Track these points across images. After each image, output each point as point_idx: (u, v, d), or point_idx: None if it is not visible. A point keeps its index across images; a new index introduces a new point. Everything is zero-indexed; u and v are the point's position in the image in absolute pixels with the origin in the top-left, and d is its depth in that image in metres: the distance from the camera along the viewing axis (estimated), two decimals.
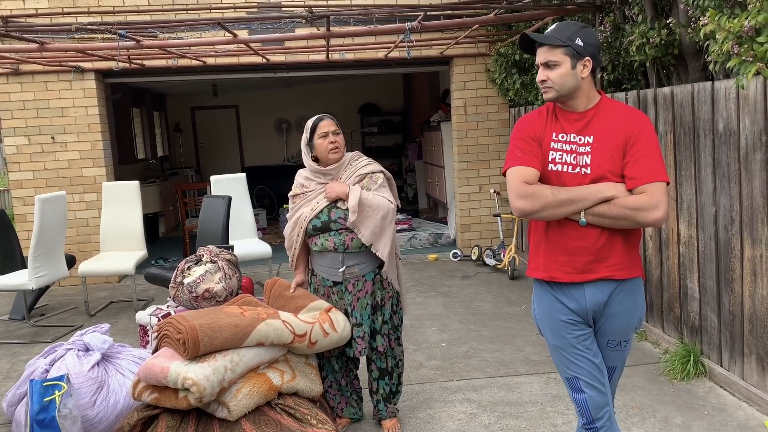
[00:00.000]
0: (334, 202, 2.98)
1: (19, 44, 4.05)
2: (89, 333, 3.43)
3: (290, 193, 3.22)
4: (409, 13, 4.87)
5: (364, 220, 2.92)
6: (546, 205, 2.04)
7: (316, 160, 3.08)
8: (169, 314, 3.84)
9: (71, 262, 5.73)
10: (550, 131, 2.15)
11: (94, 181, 6.64)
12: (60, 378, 2.86)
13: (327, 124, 3.02)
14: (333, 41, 6.49)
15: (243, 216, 6.11)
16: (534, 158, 2.12)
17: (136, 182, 5.96)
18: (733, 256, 3.36)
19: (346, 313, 3.05)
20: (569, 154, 2.11)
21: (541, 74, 2.12)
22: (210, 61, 6.59)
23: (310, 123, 3.06)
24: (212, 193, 6.13)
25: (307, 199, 3.05)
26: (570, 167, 2.10)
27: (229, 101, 12.64)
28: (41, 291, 5.60)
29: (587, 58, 2.07)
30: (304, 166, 3.16)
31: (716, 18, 2.79)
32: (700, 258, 3.68)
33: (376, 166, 3.09)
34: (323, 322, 2.87)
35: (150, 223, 9.55)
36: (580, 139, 2.11)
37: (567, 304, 2.17)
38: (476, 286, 5.96)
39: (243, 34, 5.17)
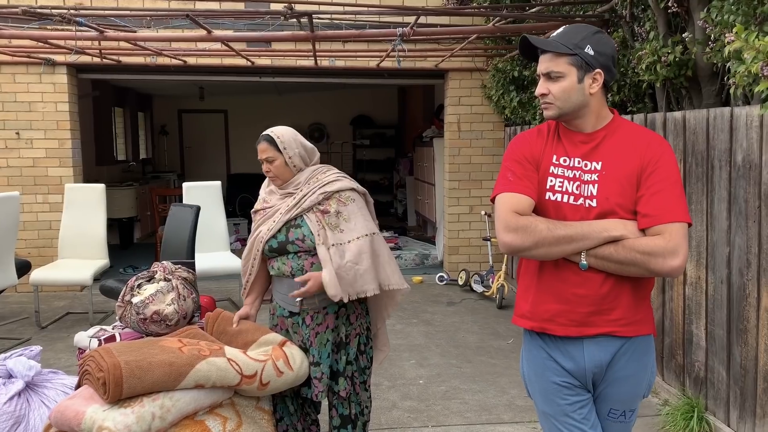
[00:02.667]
0: (293, 219, 2.55)
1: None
2: (14, 357, 3.00)
3: (252, 209, 2.83)
4: (401, 18, 4.52)
5: (352, 286, 2.45)
6: (540, 242, 1.66)
7: None
8: (113, 337, 3.42)
9: (25, 267, 5.29)
10: (551, 153, 1.78)
11: (59, 182, 6.21)
12: None
13: (260, 150, 2.54)
14: (323, 47, 6.14)
15: (215, 227, 5.70)
16: (529, 184, 1.74)
17: (102, 185, 5.54)
18: (748, 304, 2.99)
19: (301, 348, 2.64)
20: (572, 182, 1.73)
21: (541, 86, 1.75)
22: (191, 61, 6.21)
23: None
24: (185, 201, 5.73)
25: (266, 216, 2.64)
26: (572, 197, 1.72)
27: (217, 106, 12.26)
28: None
29: (598, 70, 1.70)
30: None
31: (743, 35, 2.43)
32: (709, 302, 3.30)
33: (345, 182, 2.60)
34: (277, 359, 2.44)
35: (125, 228, 9.13)
36: (585, 165, 1.74)
37: (562, 363, 1.78)
38: (461, 315, 5.56)
39: (226, 33, 4.78)
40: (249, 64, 6.17)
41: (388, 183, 12.11)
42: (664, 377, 3.76)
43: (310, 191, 2.55)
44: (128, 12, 4.08)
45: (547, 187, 1.75)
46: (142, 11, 4.02)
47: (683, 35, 3.36)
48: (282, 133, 2.58)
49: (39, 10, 3.18)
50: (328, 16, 5.67)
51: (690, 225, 1.68)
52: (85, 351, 3.46)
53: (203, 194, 5.68)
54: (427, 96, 9.53)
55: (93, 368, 2.26)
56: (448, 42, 6.10)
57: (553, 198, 1.74)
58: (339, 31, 4.12)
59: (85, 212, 5.41)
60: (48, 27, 4.59)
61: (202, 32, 3.84)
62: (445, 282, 6.61)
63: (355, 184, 2.63)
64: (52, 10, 3.20)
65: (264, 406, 2.66)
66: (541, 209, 1.76)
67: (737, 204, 3.04)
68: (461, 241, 6.87)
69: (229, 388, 2.37)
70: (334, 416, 2.72)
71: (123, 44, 5.27)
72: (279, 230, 2.55)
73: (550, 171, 1.76)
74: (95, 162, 9.19)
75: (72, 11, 3.26)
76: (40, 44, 4.86)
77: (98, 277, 5.99)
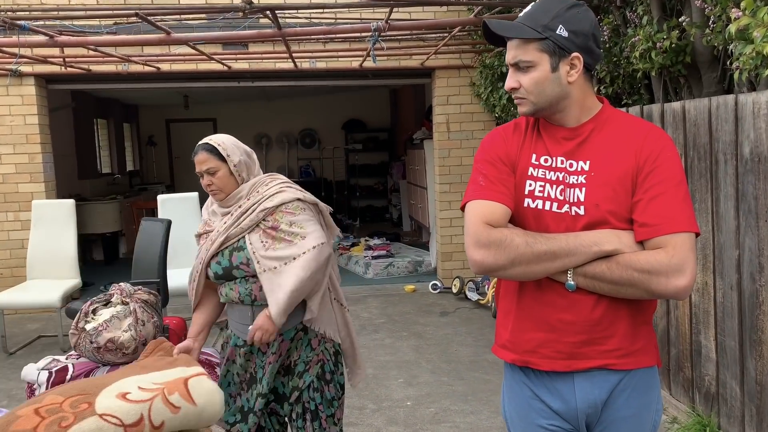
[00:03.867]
0: (235, 241, 2.26)
1: None
2: None
3: (197, 233, 2.48)
4: (382, 14, 4.23)
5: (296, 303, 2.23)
6: (517, 260, 1.36)
7: None
8: (66, 369, 3.12)
9: None
10: (529, 152, 1.48)
11: (31, 198, 5.90)
12: None
13: (199, 161, 2.25)
14: (302, 47, 5.86)
15: (192, 241, 5.40)
16: (503, 189, 1.44)
17: (71, 201, 5.25)
18: (762, 312, 2.68)
19: (252, 378, 2.34)
20: (554, 186, 1.44)
21: (510, 79, 1.46)
22: (165, 67, 5.93)
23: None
24: (160, 214, 5.45)
25: (209, 239, 2.34)
26: (555, 204, 1.43)
27: (206, 114, 11.98)
28: None
29: (575, 54, 1.40)
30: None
31: (752, 9, 2.13)
32: (718, 311, 3.00)
33: (289, 194, 2.25)
34: (170, 393, 2.05)
35: (109, 242, 8.85)
36: (570, 166, 1.44)
37: (549, 402, 1.48)
38: (455, 326, 5.25)
39: (188, 35, 4.50)
40: (225, 68, 5.89)
41: (382, 187, 11.82)
42: (671, 392, 3.46)
43: (251, 208, 2.24)
44: (72, 13, 3.79)
45: (526, 192, 1.45)
46: (89, 10, 3.74)
47: (679, 19, 3.07)
48: (222, 140, 2.29)
49: None
50: (305, 14, 5.40)
51: (698, 235, 1.38)
52: (32, 385, 3.17)
53: (180, 207, 5.39)
54: (417, 97, 9.25)
55: None
56: (435, 39, 5.82)
57: (532, 205, 1.45)
58: (308, 27, 3.83)
59: (54, 230, 5.12)
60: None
61: (162, 35, 3.55)
62: (438, 290, 6.31)
63: (301, 194, 2.29)
64: None
65: None
66: (518, 218, 1.46)
67: (746, 201, 2.74)
68: (454, 247, 6.57)
69: None
70: None
71: (89, 52, 4.98)
72: (222, 254, 2.26)
73: (529, 173, 1.46)
74: (77, 176, 8.92)
75: (9, 13, 2.99)
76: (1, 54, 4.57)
77: (77, 296, 5.70)
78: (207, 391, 2.16)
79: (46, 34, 3.41)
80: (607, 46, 3.57)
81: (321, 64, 6.08)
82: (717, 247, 2.97)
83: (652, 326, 1.52)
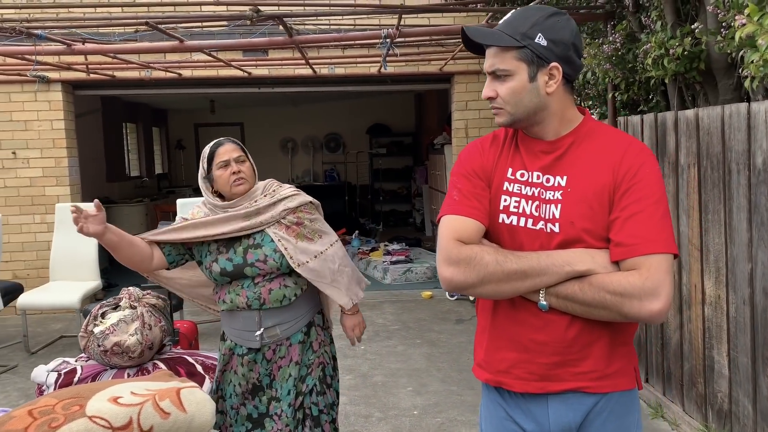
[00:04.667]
0: (251, 238, 2.26)
1: None
2: None
3: (184, 216, 2.47)
4: (386, 17, 4.23)
5: (350, 289, 2.39)
6: (487, 278, 1.33)
7: (219, 195, 2.36)
8: (74, 371, 3.19)
9: (17, 291, 5.15)
10: (505, 166, 1.45)
11: (57, 201, 6.06)
12: None
13: (227, 150, 2.30)
14: (322, 54, 5.89)
15: None
16: (477, 204, 1.42)
17: (92, 204, 5.36)
18: None
19: (255, 387, 2.34)
20: (530, 202, 1.40)
21: (487, 88, 1.43)
22: (186, 73, 6.03)
23: (206, 151, 2.35)
24: (178, 217, 5.53)
25: (214, 223, 2.30)
26: (530, 221, 1.39)
27: (233, 119, 12.14)
28: None
29: (554, 64, 1.37)
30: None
31: (758, 17, 2.06)
32: (731, 325, 2.90)
33: (304, 196, 2.38)
34: (161, 399, 2.07)
35: None
36: (547, 181, 1.40)
37: (522, 424, 1.44)
38: (469, 334, 5.20)
39: (200, 42, 4.56)
40: (246, 75, 5.95)
41: (406, 192, 11.80)
42: (684, 408, 3.35)
43: (270, 204, 2.28)
44: (85, 22, 3.88)
45: (501, 207, 1.42)
46: (102, 20, 3.82)
47: (692, 25, 2.98)
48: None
49: None
50: (325, 21, 5.43)
51: (676, 256, 1.33)
52: (41, 387, 3.25)
53: None
54: (441, 101, 9.21)
55: None
56: (453, 44, 5.78)
57: (507, 221, 1.41)
58: (320, 35, 3.84)
59: (75, 233, 5.22)
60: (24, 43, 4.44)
61: (175, 42, 3.61)
62: (456, 297, 6.25)
63: (310, 198, 2.41)
64: (2, 24, 3.02)
65: None
66: (493, 235, 1.43)
67: (759, 213, 2.65)
68: None
69: None
70: None
71: (110, 59, 5.09)
72: (234, 251, 2.26)
73: (504, 188, 1.43)
74: (105, 178, 9.13)
75: (24, 24, 3.09)
76: (25, 61, 4.71)
77: (100, 297, 5.83)
78: (198, 400, 2.17)
79: (63, 43, 3.50)
80: (620, 52, 3.50)
81: (340, 70, 6.10)
82: (730, 260, 2.88)
83: (633, 347, 1.47)
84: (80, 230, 2.19)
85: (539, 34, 1.36)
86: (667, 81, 3.28)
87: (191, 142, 12.63)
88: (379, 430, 3.50)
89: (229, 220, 2.26)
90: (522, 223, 1.39)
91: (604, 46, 3.48)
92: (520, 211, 1.40)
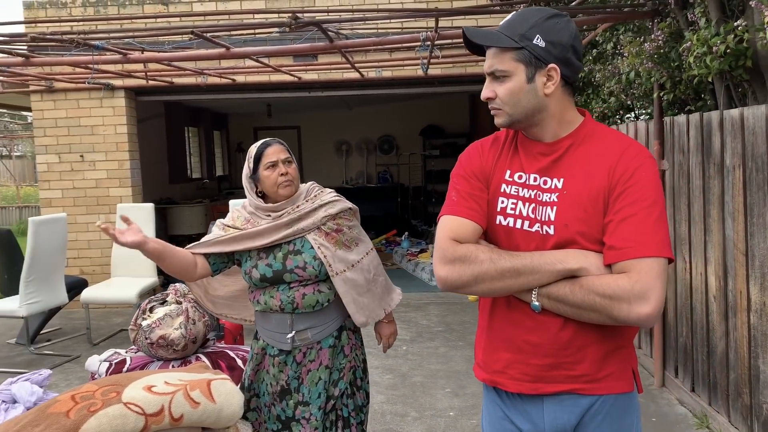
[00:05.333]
0: (291, 244, 2.28)
1: (8, 58, 3.79)
2: (20, 381, 3.01)
3: (227, 222, 2.40)
4: (419, 21, 4.25)
5: (383, 300, 2.45)
6: (481, 276, 1.35)
7: (262, 195, 2.36)
8: (124, 361, 3.39)
9: (82, 286, 5.49)
10: (503, 168, 1.47)
11: (120, 201, 6.42)
12: None
13: (275, 151, 2.29)
14: (369, 57, 5.98)
15: None
16: (474, 206, 1.44)
17: (150, 204, 5.65)
18: None
19: (283, 390, 2.38)
20: (527, 204, 1.41)
21: (486, 88, 1.45)
22: (240, 79, 6.26)
23: (253, 150, 2.35)
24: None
25: (252, 233, 2.29)
26: (526, 222, 1.40)
27: (290, 122, 12.43)
28: (48, 315, 5.37)
29: (552, 65, 1.37)
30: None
31: None
32: None
33: (344, 202, 2.39)
34: (192, 389, 2.17)
35: None
36: (545, 183, 1.41)
37: (519, 424, 1.45)
38: None
39: (245, 49, 4.73)
40: (296, 79, 6.11)
41: None
42: (730, 419, 3.22)
43: (312, 209, 2.30)
44: (133, 33, 4.10)
45: (498, 209, 1.44)
46: (156, 30, 4.04)
47: (736, 22, 2.87)
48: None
49: (48, 36, 3.26)
50: (372, 25, 5.51)
51: (671, 261, 1.31)
52: (95, 375, 3.46)
53: None
54: None
55: None
56: None
57: (504, 223, 1.43)
58: (359, 39, 3.92)
59: None
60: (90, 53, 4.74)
61: (222, 50, 3.77)
62: None
63: (350, 203, 2.41)
64: (63, 36, 3.25)
65: None
66: (491, 236, 1.45)
67: None
68: None
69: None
70: None
71: (167, 66, 5.35)
72: (273, 257, 2.28)
73: (502, 190, 1.45)
74: (168, 180, 9.55)
75: (81, 36, 3.31)
76: (85, 70, 5.02)
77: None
78: (227, 391, 2.28)
79: (119, 52, 3.72)
80: (662, 51, 3.40)
81: (387, 73, 6.17)
82: None
83: (632, 350, 1.45)
84: (118, 242, 2.21)
85: (537, 35, 1.37)
86: (710, 79, 3.16)
87: (250, 145, 12.99)
88: (414, 430, 3.53)
89: (271, 231, 2.26)
90: (518, 225, 1.41)
91: (646, 44, 3.39)
92: (517, 213, 1.41)
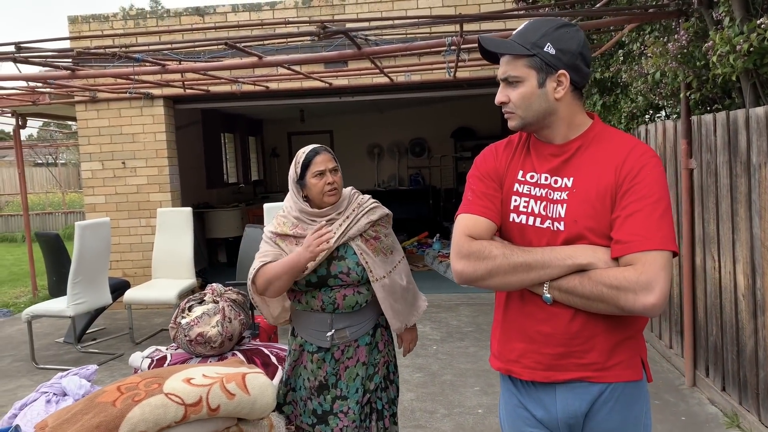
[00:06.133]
0: (335, 251, 2.36)
1: (52, 72, 4.02)
2: (69, 375, 3.20)
3: (274, 229, 2.49)
4: (446, 27, 4.33)
5: (414, 306, 2.56)
6: (494, 270, 1.44)
7: (306, 199, 2.46)
8: (164, 358, 3.55)
9: (125, 287, 5.73)
10: (516, 168, 1.55)
11: (159, 206, 6.67)
12: (1, 431, 2.61)
13: (323, 160, 2.38)
14: (399, 62, 6.08)
15: None
16: (489, 204, 1.53)
17: (188, 209, 5.86)
18: None
19: (321, 386, 2.47)
20: (539, 202, 1.49)
21: (500, 93, 1.53)
22: (273, 86, 6.43)
23: (301, 156, 2.44)
24: (265, 221, 5.91)
25: (315, 241, 2.33)
26: (538, 219, 1.49)
27: (323, 126, 12.64)
28: (93, 315, 5.62)
29: (561, 71, 1.46)
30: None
31: None
32: None
33: (383, 208, 2.49)
34: (228, 381, 2.31)
35: (231, 246, 9.63)
36: (555, 182, 1.49)
37: (532, 411, 1.53)
38: None
39: (277, 57, 4.89)
40: (327, 85, 6.26)
41: None
42: (760, 417, 3.21)
43: (356, 217, 2.40)
44: (171, 45, 4.29)
45: (511, 207, 1.53)
46: (192, 42, 4.23)
47: (759, 20, 2.88)
48: None
49: (93, 51, 3.46)
50: (401, 32, 5.62)
51: (676, 254, 1.38)
52: (137, 371, 3.64)
53: None
54: None
55: None
56: None
57: (517, 220, 1.51)
58: (387, 46, 4.02)
59: (174, 234, 5.75)
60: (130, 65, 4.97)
61: (254, 59, 3.92)
62: None
63: (387, 209, 2.52)
64: (105, 50, 3.45)
65: None
66: (505, 233, 1.54)
67: None
68: None
69: (181, 422, 2.29)
70: None
71: (203, 76, 5.55)
72: (320, 263, 2.35)
73: (515, 189, 1.53)
74: (206, 185, 9.82)
75: (123, 49, 3.50)
76: (125, 81, 5.26)
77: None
78: (261, 384, 2.41)
79: (158, 64, 3.91)
80: (685, 50, 3.41)
81: (416, 77, 6.27)
82: None
83: (641, 340, 1.52)
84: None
85: (548, 43, 1.45)
86: (734, 78, 3.17)
87: (285, 149, 13.26)
88: (443, 426, 3.61)
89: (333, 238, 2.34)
90: (531, 222, 1.49)
91: (669, 45, 3.41)
92: (529, 210, 1.49)
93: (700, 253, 3.82)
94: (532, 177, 1.52)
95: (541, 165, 1.52)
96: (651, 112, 4.88)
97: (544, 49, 1.45)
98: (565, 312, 1.44)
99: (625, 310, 1.35)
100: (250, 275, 2.46)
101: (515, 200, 1.52)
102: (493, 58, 1.58)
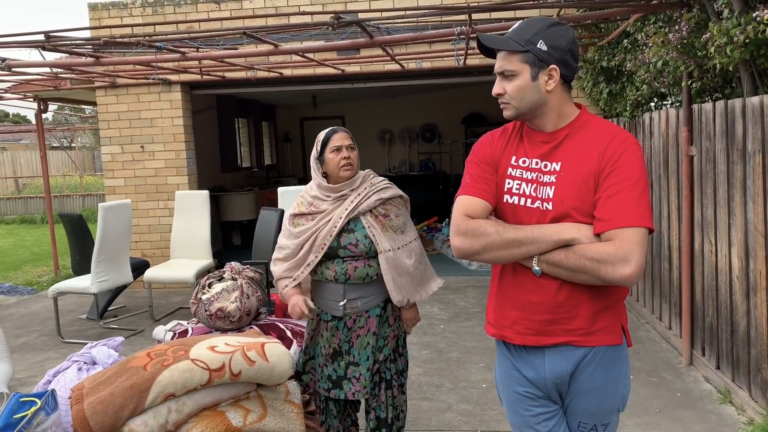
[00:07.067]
0: (345, 224, 2.58)
1: (77, 59, 4.21)
2: (98, 346, 3.42)
3: (293, 211, 2.80)
4: (455, 17, 4.46)
5: (422, 285, 2.69)
6: (488, 246, 1.61)
7: (326, 177, 2.69)
8: (186, 332, 3.76)
9: (144, 267, 5.95)
10: (510, 154, 1.72)
11: (177, 189, 6.88)
12: (39, 395, 2.82)
13: (340, 138, 2.63)
14: (410, 50, 6.22)
15: None
16: (485, 186, 1.70)
17: (205, 192, 6.06)
18: None
19: (335, 352, 2.71)
20: (530, 184, 1.66)
21: (497, 86, 1.70)
22: (287, 72, 6.59)
23: (321, 135, 2.69)
24: (279, 205, 6.09)
25: (319, 219, 2.64)
26: (529, 200, 1.65)
27: (335, 112, 12.78)
28: (115, 293, 5.86)
29: (552, 66, 1.61)
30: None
31: None
32: None
33: (396, 190, 2.70)
34: (248, 349, 2.52)
35: (245, 229, 9.86)
36: (545, 166, 1.65)
37: (524, 372, 1.71)
38: None
39: (292, 45, 5.03)
40: (339, 72, 6.41)
41: None
42: (750, 393, 3.38)
43: (366, 194, 2.60)
44: (191, 35, 4.46)
45: (505, 189, 1.69)
46: (210, 31, 4.38)
47: (755, 14, 3.00)
48: None
49: (119, 40, 3.64)
50: (413, 21, 5.74)
51: (652, 231, 1.54)
52: (160, 343, 3.85)
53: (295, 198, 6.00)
54: None
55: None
56: None
57: (510, 201, 1.68)
58: (398, 35, 4.16)
59: (191, 217, 5.95)
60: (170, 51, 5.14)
61: (271, 47, 4.08)
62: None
63: (401, 192, 2.71)
64: (130, 39, 3.63)
65: (294, 400, 2.78)
66: (500, 213, 1.71)
67: None
68: None
69: (206, 386, 2.48)
70: (372, 418, 2.77)
71: (218, 62, 5.72)
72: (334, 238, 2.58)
73: (508, 173, 1.70)
74: (220, 169, 10.03)
75: (146, 38, 3.67)
76: (149, 68, 5.44)
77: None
78: (279, 352, 2.62)
79: (177, 51, 4.08)
80: (685, 41, 3.53)
81: (427, 64, 6.40)
82: None
83: (621, 308, 1.68)
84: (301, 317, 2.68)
85: (541, 40, 1.61)
86: (730, 68, 3.29)
87: (297, 134, 13.44)
88: (448, 398, 3.80)
89: (335, 217, 2.57)
90: (522, 203, 1.66)
91: (670, 35, 3.53)
92: (521, 192, 1.66)
93: (698, 237, 3.96)
94: (524, 162, 1.69)
95: (533, 151, 1.68)
96: (656, 99, 4.99)
97: (537, 46, 1.61)
98: (553, 283, 1.61)
99: (605, 280, 1.52)
100: (274, 272, 2.83)
101: (509, 183, 1.69)
102: (490, 53, 1.74)
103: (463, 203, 1.69)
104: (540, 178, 1.64)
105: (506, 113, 1.70)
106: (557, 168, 1.63)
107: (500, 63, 1.67)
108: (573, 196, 1.59)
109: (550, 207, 1.61)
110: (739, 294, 3.43)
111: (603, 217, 1.54)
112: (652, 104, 5.09)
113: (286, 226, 2.81)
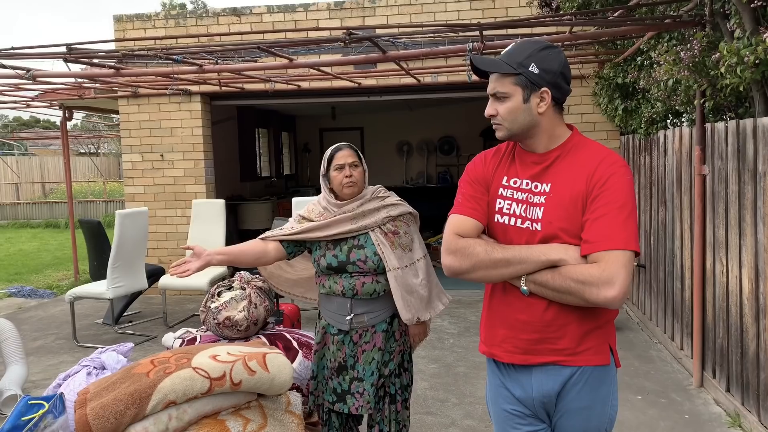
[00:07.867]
0: (355, 239, 2.61)
1: (98, 70, 4.33)
2: (108, 351, 3.49)
3: (303, 213, 2.81)
4: (467, 33, 4.49)
5: (430, 304, 2.69)
6: (477, 265, 1.63)
7: (333, 192, 2.72)
8: (194, 339, 3.82)
9: (160, 273, 6.05)
10: (502, 174, 1.74)
11: (194, 198, 6.99)
12: (48, 398, 2.89)
13: (344, 155, 2.64)
14: (426, 64, 6.26)
15: None
16: (476, 206, 1.72)
17: (221, 201, 6.15)
18: None
19: (340, 366, 2.72)
20: (520, 205, 1.68)
21: (489, 107, 1.72)
22: (305, 85, 6.68)
23: (327, 153, 2.72)
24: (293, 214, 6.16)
25: (325, 223, 2.65)
26: (519, 220, 1.67)
27: (354, 124, 12.88)
28: (130, 299, 5.96)
29: (544, 88, 1.63)
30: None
31: None
32: None
33: (406, 206, 2.71)
34: (250, 359, 2.56)
35: None
36: (536, 187, 1.67)
37: (512, 390, 1.72)
38: None
39: (307, 59, 5.12)
40: (356, 85, 6.47)
41: None
42: (760, 417, 3.32)
43: (375, 209, 2.63)
44: (208, 47, 4.55)
45: (496, 209, 1.71)
46: (229, 45, 4.48)
47: (765, 35, 2.98)
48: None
49: (137, 52, 3.74)
50: (429, 36, 5.80)
51: (637, 254, 1.55)
52: (169, 350, 3.91)
53: None
54: None
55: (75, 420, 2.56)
56: None
57: (501, 220, 1.70)
58: (408, 50, 4.21)
59: (207, 225, 6.05)
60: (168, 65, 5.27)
61: (285, 61, 4.16)
62: None
63: (411, 208, 2.72)
64: (148, 51, 3.73)
65: (295, 411, 2.81)
66: (491, 232, 1.73)
67: None
68: None
69: (206, 394, 2.52)
70: None
71: (237, 74, 5.82)
72: (339, 249, 2.62)
73: (499, 193, 1.72)
74: (239, 179, 10.16)
75: (164, 51, 3.77)
76: (166, 78, 5.57)
77: None
78: (280, 363, 2.66)
79: (195, 64, 4.17)
80: (696, 60, 3.51)
81: (443, 78, 6.43)
82: None
83: (611, 328, 1.68)
84: (184, 274, 2.75)
85: (533, 63, 1.63)
86: (741, 89, 3.26)
87: (316, 145, 13.56)
88: (453, 414, 3.80)
89: (338, 223, 2.61)
90: (512, 223, 1.67)
91: (682, 53, 3.52)
92: (511, 212, 1.68)
93: (710, 257, 3.91)
94: (515, 182, 1.71)
95: (524, 171, 1.70)
96: (671, 117, 4.96)
97: (529, 69, 1.63)
98: (540, 302, 1.62)
99: (590, 302, 1.53)
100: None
101: (500, 203, 1.71)
102: (483, 75, 1.77)
103: (455, 222, 1.71)
104: (530, 198, 1.66)
105: (498, 134, 1.73)
106: (547, 189, 1.65)
107: (493, 85, 1.70)
108: (561, 217, 1.60)
109: (539, 227, 1.63)
110: (749, 316, 3.39)
111: (589, 239, 1.55)
112: (668, 121, 5.05)
113: (291, 221, 2.86)
